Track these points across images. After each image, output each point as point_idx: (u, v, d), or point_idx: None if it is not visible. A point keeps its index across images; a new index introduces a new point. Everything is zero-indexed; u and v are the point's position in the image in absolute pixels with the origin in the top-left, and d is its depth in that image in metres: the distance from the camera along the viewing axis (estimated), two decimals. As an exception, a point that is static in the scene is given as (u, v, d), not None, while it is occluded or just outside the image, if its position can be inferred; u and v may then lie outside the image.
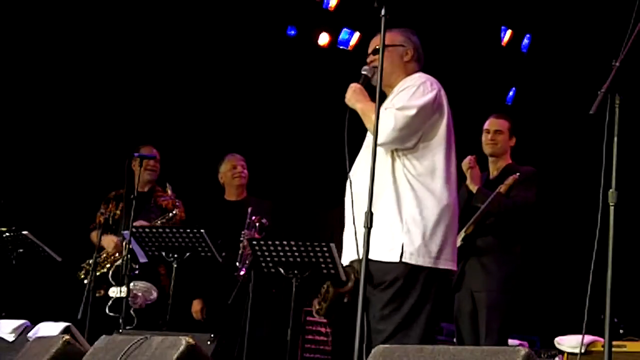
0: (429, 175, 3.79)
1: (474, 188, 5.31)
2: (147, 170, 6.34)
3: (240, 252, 5.92)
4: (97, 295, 5.94)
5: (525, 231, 5.35)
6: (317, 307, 6.08)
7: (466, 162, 5.33)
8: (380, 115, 3.60)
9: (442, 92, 3.90)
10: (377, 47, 3.84)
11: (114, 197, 6.51)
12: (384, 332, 3.70)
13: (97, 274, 6.14)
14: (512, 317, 5.20)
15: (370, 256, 3.54)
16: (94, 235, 6.42)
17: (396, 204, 3.76)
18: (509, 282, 5.17)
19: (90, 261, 6.18)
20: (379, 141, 3.59)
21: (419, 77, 3.93)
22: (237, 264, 5.89)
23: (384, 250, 3.73)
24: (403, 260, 3.70)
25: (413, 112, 3.76)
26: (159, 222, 6.18)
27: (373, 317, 3.79)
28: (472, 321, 5.18)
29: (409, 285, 3.71)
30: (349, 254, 3.95)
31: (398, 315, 3.71)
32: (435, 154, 3.82)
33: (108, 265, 6.23)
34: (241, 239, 5.99)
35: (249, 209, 6.04)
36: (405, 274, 3.71)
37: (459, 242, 5.00)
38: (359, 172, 3.88)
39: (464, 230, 5.13)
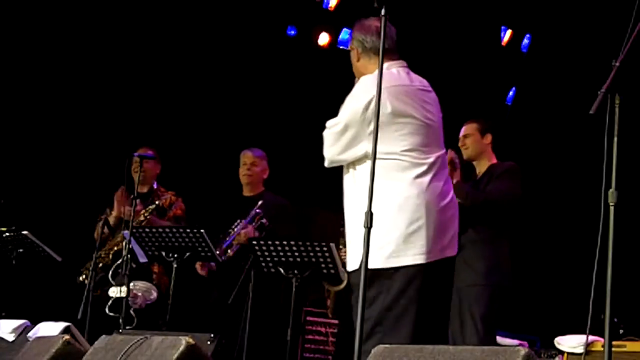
0: (391, 178, 3.77)
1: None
2: (135, 172, 6.33)
3: (226, 238, 5.92)
4: (96, 294, 5.92)
5: (511, 224, 5.34)
6: (329, 308, 6.11)
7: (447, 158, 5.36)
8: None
9: (387, 92, 3.74)
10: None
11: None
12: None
13: (100, 265, 6.13)
14: (497, 309, 5.17)
15: (348, 268, 3.80)
16: (97, 231, 6.38)
17: (351, 213, 3.87)
18: (492, 274, 5.16)
19: (90, 267, 6.16)
20: (326, 164, 3.93)
21: (362, 81, 3.97)
22: (217, 250, 5.87)
23: (350, 261, 3.84)
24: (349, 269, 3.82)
25: (335, 130, 3.91)
26: (146, 213, 6.13)
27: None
28: (460, 316, 5.18)
29: (372, 290, 3.66)
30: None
31: (369, 322, 3.65)
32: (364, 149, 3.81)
33: (108, 260, 6.21)
34: (233, 227, 5.99)
35: (259, 202, 6.03)
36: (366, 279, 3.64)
37: None
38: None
39: None
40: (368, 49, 3.98)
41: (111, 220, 6.30)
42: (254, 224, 5.97)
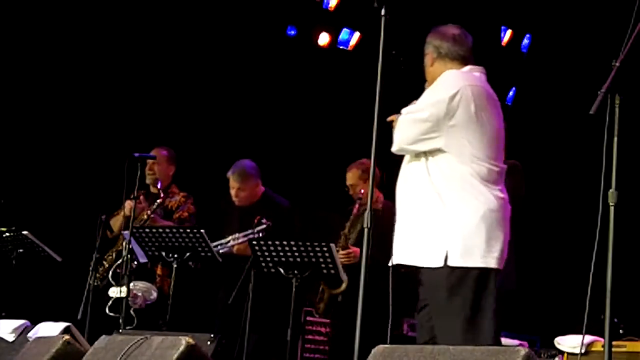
0: (467, 178, 3.74)
1: None
2: (147, 173, 6.32)
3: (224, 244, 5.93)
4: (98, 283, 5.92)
5: (514, 224, 5.32)
6: (317, 307, 6.12)
7: None
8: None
9: (470, 90, 3.79)
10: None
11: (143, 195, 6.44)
12: (449, 333, 3.65)
13: (106, 265, 6.13)
14: (502, 312, 5.16)
15: (415, 263, 3.70)
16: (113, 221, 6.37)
17: (434, 208, 3.74)
18: None
19: (101, 268, 6.16)
20: (393, 149, 3.77)
21: (445, 76, 3.89)
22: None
23: (428, 257, 3.72)
24: (449, 264, 3.68)
25: (415, 116, 3.78)
26: (148, 212, 6.11)
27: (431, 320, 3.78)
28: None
29: (458, 287, 3.67)
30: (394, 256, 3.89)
31: (460, 318, 3.65)
32: (464, 153, 3.75)
33: (109, 261, 6.21)
34: (232, 238, 5.99)
35: (258, 228, 5.95)
36: (451, 277, 3.67)
37: None
38: (398, 181, 3.92)
39: None
40: (443, 54, 3.96)
41: (118, 222, 6.27)
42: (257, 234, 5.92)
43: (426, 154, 3.77)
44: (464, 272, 3.66)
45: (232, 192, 6.25)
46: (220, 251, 5.87)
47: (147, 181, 6.28)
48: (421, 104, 3.82)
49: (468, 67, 3.93)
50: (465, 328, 3.62)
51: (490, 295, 3.68)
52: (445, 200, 3.71)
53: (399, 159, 3.98)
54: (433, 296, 3.74)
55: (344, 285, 5.76)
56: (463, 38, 3.98)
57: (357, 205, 5.90)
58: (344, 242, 5.91)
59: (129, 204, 5.95)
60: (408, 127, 3.78)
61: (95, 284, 5.97)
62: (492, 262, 3.69)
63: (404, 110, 3.84)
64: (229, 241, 5.98)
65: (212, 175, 7.62)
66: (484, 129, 3.77)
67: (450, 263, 3.66)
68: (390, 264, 3.84)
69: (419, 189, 3.78)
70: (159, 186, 6.31)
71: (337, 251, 5.80)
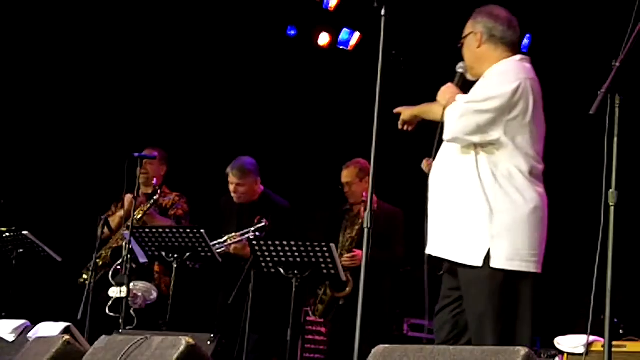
0: (515, 173, 3.65)
1: None
2: (140, 173, 6.32)
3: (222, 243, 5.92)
4: (98, 297, 5.90)
5: None
6: (314, 307, 6.11)
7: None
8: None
9: (529, 83, 3.69)
10: (461, 39, 3.88)
11: (123, 199, 6.44)
12: (485, 336, 3.59)
13: (100, 264, 6.12)
14: None
15: (453, 258, 3.62)
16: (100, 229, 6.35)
17: (482, 205, 3.63)
18: None
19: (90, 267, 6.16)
20: (446, 137, 3.66)
21: (503, 66, 3.77)
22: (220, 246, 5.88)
23: (470, 255, 3.61)
24: (491, 265, 3.58)
25: (477, 106, 3.66)
26: (140, 208, 6.11)
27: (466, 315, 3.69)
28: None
29: (500, 291, 3.60)
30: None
31: (498, 324, 3.59)
32: (518, 148, 3.67)
33: (109, 255, 6.20)
34: (228, 237, 5.98)
35: (257, 226, 5.96)
36: (493, 278, 3.59)
37: None
38: (435, 169, 3.79)
39: None
40: (497, 37, 3.81)
41: (116, 220, 6.27)
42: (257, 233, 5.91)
43: (477, 146, 3.66)
44: (507, 275, 3.58)
45: (231, 187, 6.24)
46: (217, 251, 5.87)
47: (140, 180, 6.26)
48: (482, 93, 3.69)
49: (519, 57, 3.81)
50: (503, 334, 3.57)
51: (530, 301, 3.63)
52: (491, 195, 3.61)
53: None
54: (471, 296, 3.62)
55: (348, 289, 5.77)
56: (516, 23, 3.84)
57: (362, 208, 5.92)
58: (348, 245, 5.92)
59: (128, 198, 5.96)
60: (468, 116, 3.63)
61: (87, 282, 5.98)
62: (533, 267, 3.63)
63: (461, 98, 3.72)
64: (225, 240, 5.97)
65: (212, 176, 7.62)
66: (537, 124, 3.71)
67: (493, 264, 3.57)
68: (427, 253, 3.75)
69: (464, 181, 3.66)
70: (154, 182, 6.32)
71: (341, 254, 5.82)
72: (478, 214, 3.61)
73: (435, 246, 3.71)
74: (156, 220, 6.13)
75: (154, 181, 6.39)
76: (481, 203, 3.61)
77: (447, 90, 3.83)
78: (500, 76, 3.73)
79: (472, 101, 3.68)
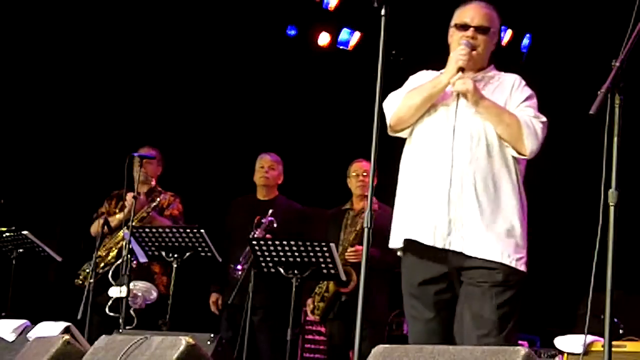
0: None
1: None
2: (136, 172, 6.33)
3: (246, 248, 5.88)
4: (97, 299, 5.89)
5: None
6: (312, 306, 6.10)
7: None
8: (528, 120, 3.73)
9: None
10: (484, 26, 3.89)
11: (116, 195, 6.47)
12: (510, 334, 3.66)
13: (100, 270, 6.10)
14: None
15: (493, 257, 3.64)
16: (94, 226, 6.35)
17: (519, 210, 3.75)
18: None
19: (87, 268, 6.15)
20: (530, 153, 3.74)
21: (516, 78, 3.97)
22: (241, 259, 5.87)
23: (510, 256, 3.70)
24: (519, 268, 3.73)
25: (543, 122, 3.81)
26: (148, 208, 6.10)
27: (475, 310, 3.69)
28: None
29: (520, 290, 3.74)
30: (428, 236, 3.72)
31: (514, 324, 3.69)
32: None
33: (109, 259, 6.20)
34: (250, 236, 5.95)
35: (270, 210, 5.99)
36: (518, 280, 3.73)
37: None
38: (461, 158, 3.73)
39: None
40: (495, 46, 4.02)
41: (115, 221, 6.27)
42: (265, 230, 5.92)
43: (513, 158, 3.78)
44: (523, 278, 3.74)
45: (262, 169, 6.33)
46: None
47: (141, 178, 6.26)
48: (534, 107, 3.83)
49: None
50: (513, 333, 3.68)
51: None
52: (523, 203, 3.77)
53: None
54: (505, 297, 3.69)
55: (353, 284, 5.75)
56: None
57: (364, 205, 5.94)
58: (352, 239, 5.93)
59: (130, 198, 5.96)
60: (540, 132, 3.78)
61: (84, 283, 5.98)
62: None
63: (530, 112, 3.81)
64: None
65: (213, 175, 7.64)
66: None
67: (520, 267, 3.72)
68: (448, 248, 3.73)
69: (507, 187, 3.74)
70: (153, 183, 6.33)
71: (345, 248, 5.83)
72: (519, 219, 3.74)
73: (474, 247, 3.68)
74: (157, 222, 6.14)
75: (153, 182, 6.39)
76: (518, 210, 3.74)
77: (469, 82, 3.79)
78: (527, 88, 3.95)
79: (537, 117, 3.81)
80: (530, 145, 3.71)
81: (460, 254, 3.66)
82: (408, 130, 3.87)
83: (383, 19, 3.50)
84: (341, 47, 8.44)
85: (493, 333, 3.61)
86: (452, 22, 4.00)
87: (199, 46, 7.98)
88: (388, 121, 3.86)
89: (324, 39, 8.44)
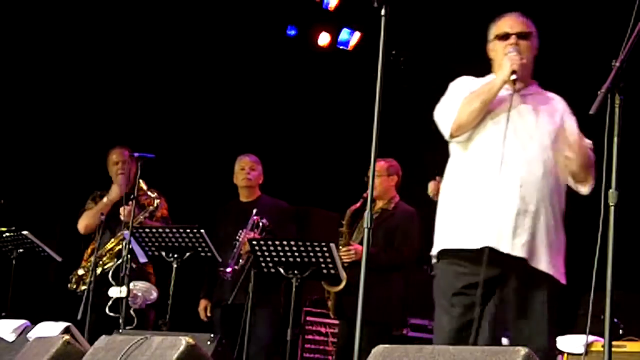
0: None
1: None
2: (117, 174, 6.29)
3: (234, 250, 5.88)
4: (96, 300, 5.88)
5: None
6: (328, 305, 6.10)
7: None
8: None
9: None
10: (525, 32, 3.95)
11: (99, 195, 6.41)
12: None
13: (98, 271, 6.08)
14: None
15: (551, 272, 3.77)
16: (81, 220, 6.30)
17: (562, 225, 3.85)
18: None
19: (80, 271, 6.14)
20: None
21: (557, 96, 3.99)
22: (230, 261, 5.86)
23: (562, 273, 3.85)
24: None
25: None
26: (141, 217, 6.07)
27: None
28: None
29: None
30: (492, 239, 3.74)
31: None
32: None
33: (106, 260, 6.18)
34: (237, 237, 5.94)
35: (254, 210, 5.99)
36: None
37: None
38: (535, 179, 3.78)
39: None
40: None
41: (106, 205, 6.19)
42: (256, 230, 5.92)
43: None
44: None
45: (244, 171, 6.28)
46: (241, 261, 5.87)
47: (118, 179, 6.23)
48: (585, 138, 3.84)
49: None
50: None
51: None
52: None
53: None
54: (552, 308, 3.89)
55: (343, 283, 5.74)
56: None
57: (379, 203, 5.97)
58: (345, 239, 5.91)
59: (125, 209, 5.94)
60: None
61: (80, 288, 5.97)
62: None
63: (590, 144, 3.83)
64: (239, 236, 5.94)
65: (212, 177, 7.62)
66: None
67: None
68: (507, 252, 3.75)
69: (562, 202, 3.86)
70: (145, 187, 6.21)
71: (340, 249, 5.82)
72: (563, 235, 3.83)
73: (540, 260, 3.77)
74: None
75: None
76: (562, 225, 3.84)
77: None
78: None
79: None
80: (592, 183, 3.78)
81: (520, 261, 3.72)
82: (466, 135, 3.88)
83: (383, 19, 3.50)
84: (341, 47, 8.44)
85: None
86: (491, 36, 4.06)
87: (198, 46, 7.98)
88: (447, 129, 3.87)
89: (324, 39, 8.44)
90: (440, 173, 4.05)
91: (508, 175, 3.71)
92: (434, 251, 3.89)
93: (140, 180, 5.90)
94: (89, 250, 6.23)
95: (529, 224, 3.72)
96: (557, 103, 3.97)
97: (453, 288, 3.76)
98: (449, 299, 3.77)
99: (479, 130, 3.83)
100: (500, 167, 3.70)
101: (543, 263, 3.76)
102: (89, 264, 6.13)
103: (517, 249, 3.71)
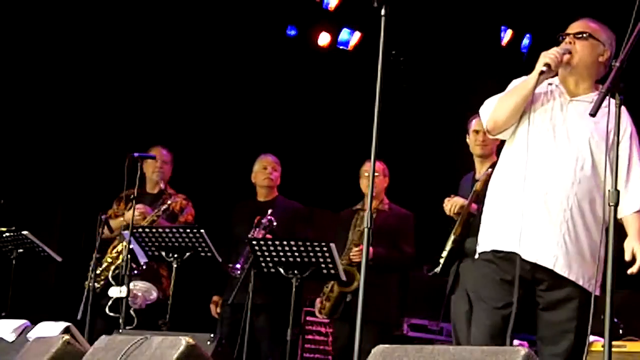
0: None
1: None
2: (154, 172, 6.33)
3: (246, 248, 5.87)
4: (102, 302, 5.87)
5: None
6: (320, 305, 6.11)
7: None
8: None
9: None
10: (582, 32, 3.87)
11: (124, 196, 6.42)
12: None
13: (109, 274, 6.08)
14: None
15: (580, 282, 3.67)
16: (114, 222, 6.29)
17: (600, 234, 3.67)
18: None
19: (99, 269, 6.14)
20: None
21: (630, 118, 3.77)
22: (240, 258, 5.87)
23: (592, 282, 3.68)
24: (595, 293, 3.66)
25: None
26: (153, 214, 6.08)
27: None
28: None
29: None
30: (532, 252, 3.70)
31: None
32: None
33: (113, 267, 6.17)
34: (249, 236, 5.95)
35: (269, 210, 5.99)
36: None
37: (449, 246, 5.00)
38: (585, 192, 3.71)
39: (452, 233, 5.10)
40: (609, 63, 3.79)
41: (117, 222, 6.19)
42: (263, 228, 5.91)
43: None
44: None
45: (266, 171, 6.33)
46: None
47: (154, 177, 6.27)
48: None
49: None
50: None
51: None
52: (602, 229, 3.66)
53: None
54: (585, 320, 3.65)
55: (356, 284, 5.75)
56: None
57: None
58: (357, 239, 5.94)
59: (140, 209, 5.97)
60: None
61: (96, 285, 5.94)
62: None
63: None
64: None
65: (209, 177, 7.62)
66: None
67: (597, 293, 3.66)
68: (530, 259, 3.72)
69: (600, 215, 3.67)
70: (162, 186, 6.29)
71: (350, 248, 5.85)
72: (598, 245, 3.66)
73: (567, 267, 3.70)
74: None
75: (162, 184, 6.33)
76: (599, 235, 3.66)
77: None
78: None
79: None
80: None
81: (547, 270, 3.70)
82: (510, 131, 3.82)
83: (383, 19, 3.50)
84: (341, 47, 8.44)
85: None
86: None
87: (198, 46, 7.97)
88: (485, 126, 3.86)
89: (324, 39, 8.44)
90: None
91: (534, 182, 3.66)
92: (479, 249, 3.87)
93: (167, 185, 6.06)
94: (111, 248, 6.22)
95: (555, 232, 3.65)
96: (623, 121, 3.65)
97: (491, 283, 3.79)
98: (486, 295, 3.82)
99: (519, 130, 3.78)
100: (526, 173, 3.66)
101: (572, 273, 3.69)
102: (110, 260, 6.14)
103: (543, 259, 3.68)
